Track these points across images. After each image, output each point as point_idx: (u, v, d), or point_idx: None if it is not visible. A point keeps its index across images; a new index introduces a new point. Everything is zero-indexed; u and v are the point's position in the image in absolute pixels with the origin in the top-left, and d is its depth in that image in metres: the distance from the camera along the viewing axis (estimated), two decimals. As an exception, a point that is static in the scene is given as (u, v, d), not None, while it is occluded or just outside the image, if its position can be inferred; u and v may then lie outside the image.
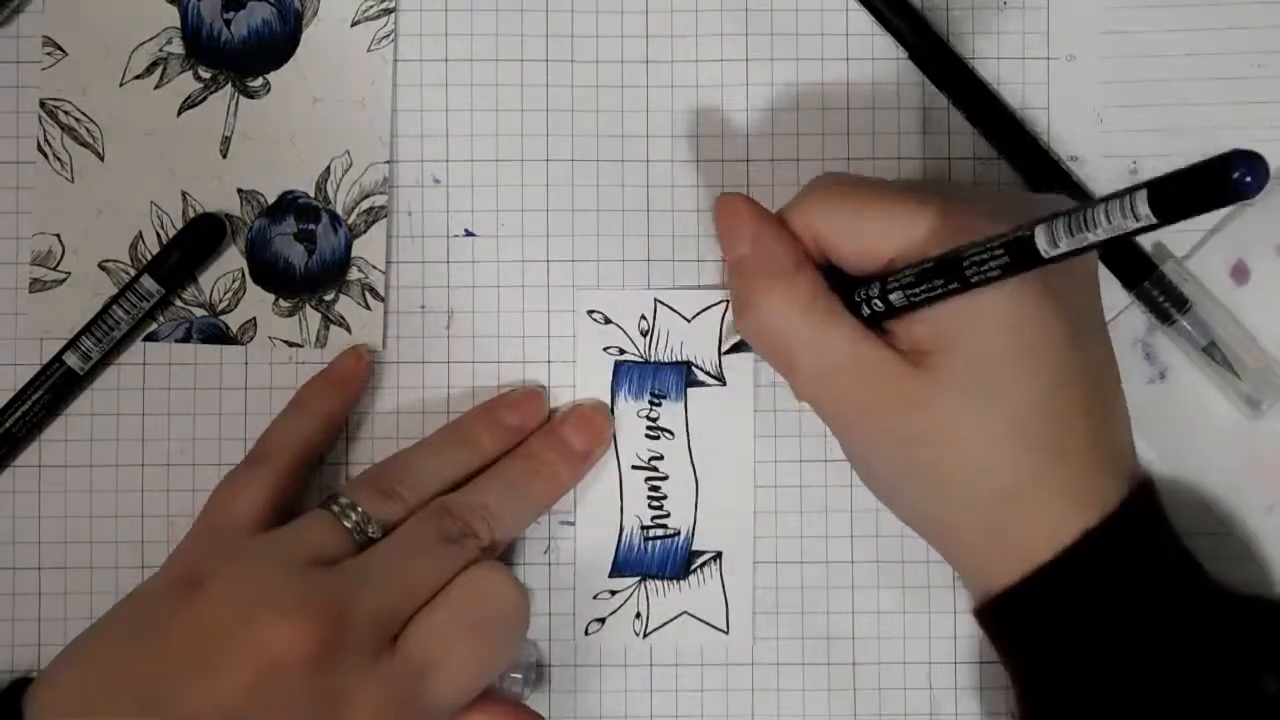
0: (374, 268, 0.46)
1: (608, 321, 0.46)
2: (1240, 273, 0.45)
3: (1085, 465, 0.38)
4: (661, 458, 0.46)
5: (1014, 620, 0.39)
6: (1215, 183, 0.29)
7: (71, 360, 0.45)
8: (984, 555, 0.39)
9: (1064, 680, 0.39)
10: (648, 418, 0.46)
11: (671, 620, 0.46)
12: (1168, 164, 0.45)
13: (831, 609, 0.46)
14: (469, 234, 0.46)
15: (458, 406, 0.46)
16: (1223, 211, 0.45)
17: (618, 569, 0.46)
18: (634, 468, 0.46)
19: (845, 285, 0.40)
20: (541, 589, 0.46)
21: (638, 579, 0.46)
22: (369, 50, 0.46)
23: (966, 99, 0.45)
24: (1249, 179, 0.28)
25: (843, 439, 0.41)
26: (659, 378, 0.46)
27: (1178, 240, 0.45)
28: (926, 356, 0.38)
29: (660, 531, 0.46)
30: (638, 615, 0.46)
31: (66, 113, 0.46)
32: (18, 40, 0.46)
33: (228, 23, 0.46)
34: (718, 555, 0.46)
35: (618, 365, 0.46)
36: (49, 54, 0.46)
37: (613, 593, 0.46)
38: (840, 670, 0.46)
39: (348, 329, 0.46)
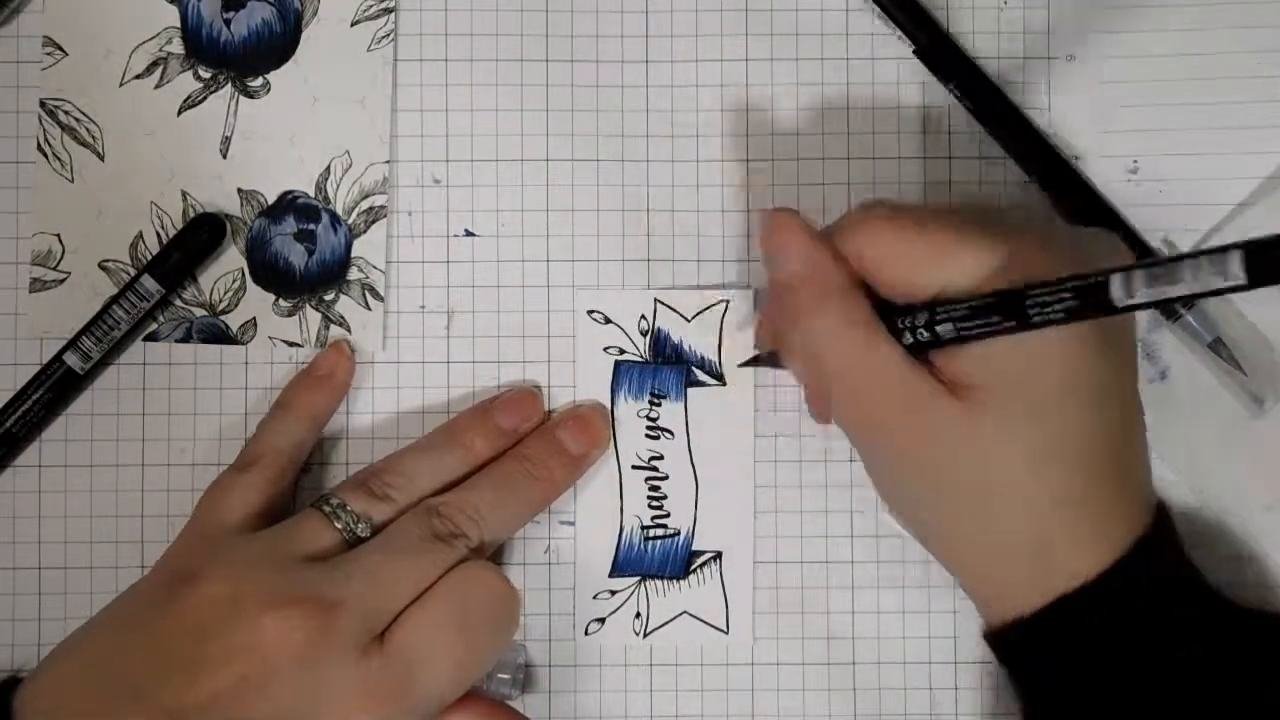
0: (374, 268, 0.46)
1: (608, 321, 0.46)
2: (1242, 272, 0.45)
3: (1114, 503, 0.38)
4: (661, 458, 0.46)
5: (1027, 646, 0.39)
6: None
7: (71, 360, 0.45)
8: (1003, 585, 0.39)
9: (1075, 707, 0.39)
10: (648, 418, 0.46)
11: (671, 620, 0.46)
12: (1168, 164, 0.46)
13: (831, 609, 0.46)
14: (469, 234, 0.46)
15: (457, 407, 0.46)
16: (1228, 206, 0.45)
17: (618, 569, 0.46)
18: (634, 468, 0.46)
19: (885, 311, 0.39)
20: (541, 589, 0.46)
21: (637, 579, 0.46)
22: (369, 50, 0.46)
23: (974, 95, 0.45)
24: None
25: (872, 463, 0.41)
26: (659, 378, 0.46)
27: (1182, 239, 0.45)
28: (970, 390, 0.38)
29: (660, 531, 0.46)
30: (638, 615, 0.46)
31: (66, 113, 0.46)
32: (18, 40, 0.46)
33: (228, 23, 0.46)
34: (718, 555, 0.46)
35: (618, 365, 0.46)
36: (49, 54, 0.46)
37: (613, 593, 0.46)
38: (840, 670, 0.46)
39: (348, 329, 0.46)
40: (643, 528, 0.46)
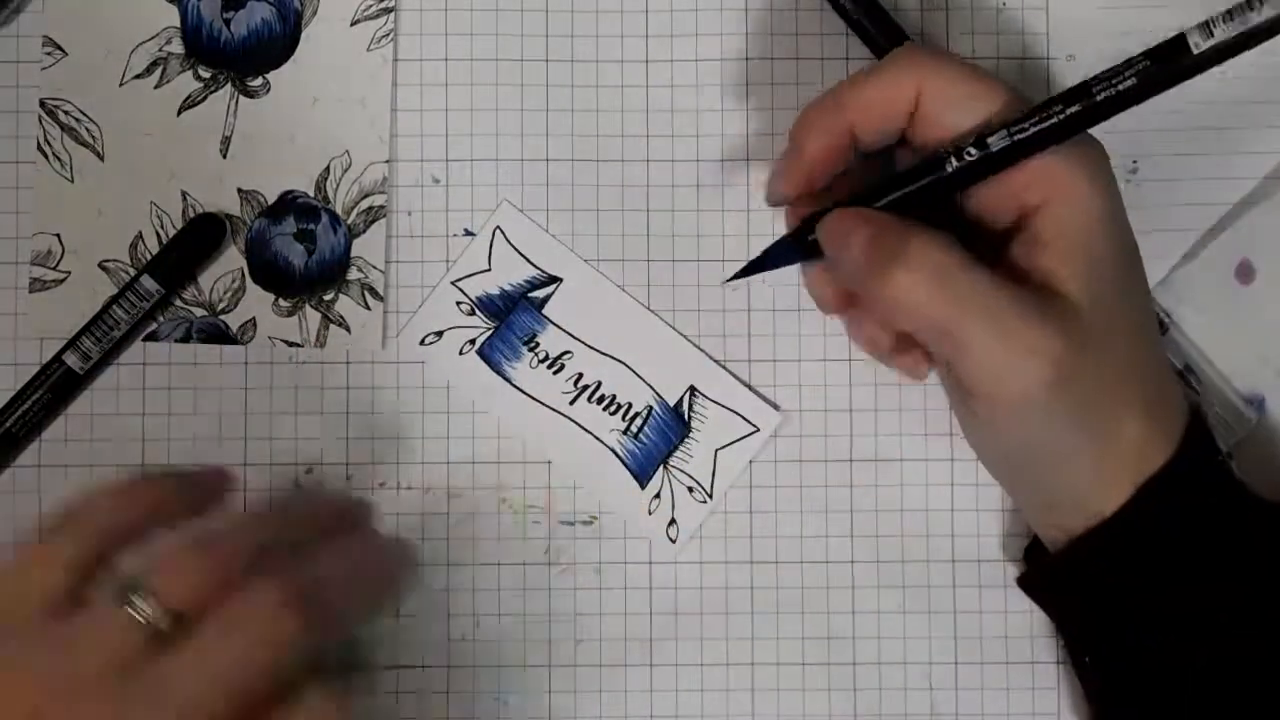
0: (374, 268, 0.46)
1: (473, 312, 0.46)
2: (1245, 272, 0.45)
3: (1171, 388, 0.40)
4: (581, 375, 0.46)
5: (1099, 552, 0.40)
6: None
7: (71, 360, 0.45)
8: (1086, 482, 0.39)
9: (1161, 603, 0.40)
10: (541, 361, 0.46)
11: (711, 470, 0.46)
12: (1168, 163, 0.46)
13: (831, 609, 0.46)
14: (469, 234, 0.46)
15: (457, 407, 0.46)
16: (1228, 206, 0.45)
17: (642, 475, 0.46)
18: (571, 403, 0.46)
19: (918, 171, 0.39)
20: (541, 589, 0.46)
21: (662, 471, 0.46)
22: (369, 50, 0.46)
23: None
24: None
25: (999, 406, 0.38)
26: (516, 327, 0.46)
27: (1182, 240, 0.45)
28: (1057, 284, 0.38)
29: (639, 421, 0.46)
30: (672, 522, 0.46)
31: (66, 113, 0.46)
32: (18, 40, 0.46)
33: (228, 22, 0.46)
34: (692, 389, 0.46)
35: (482, 352, 0.46)
36: (49, 54, 0.46)
37: (656, 496, 0.46)
38: (840, 670, 0.46)
39: (347, 329, 0.46)
40: (624, 432, 0.46)
